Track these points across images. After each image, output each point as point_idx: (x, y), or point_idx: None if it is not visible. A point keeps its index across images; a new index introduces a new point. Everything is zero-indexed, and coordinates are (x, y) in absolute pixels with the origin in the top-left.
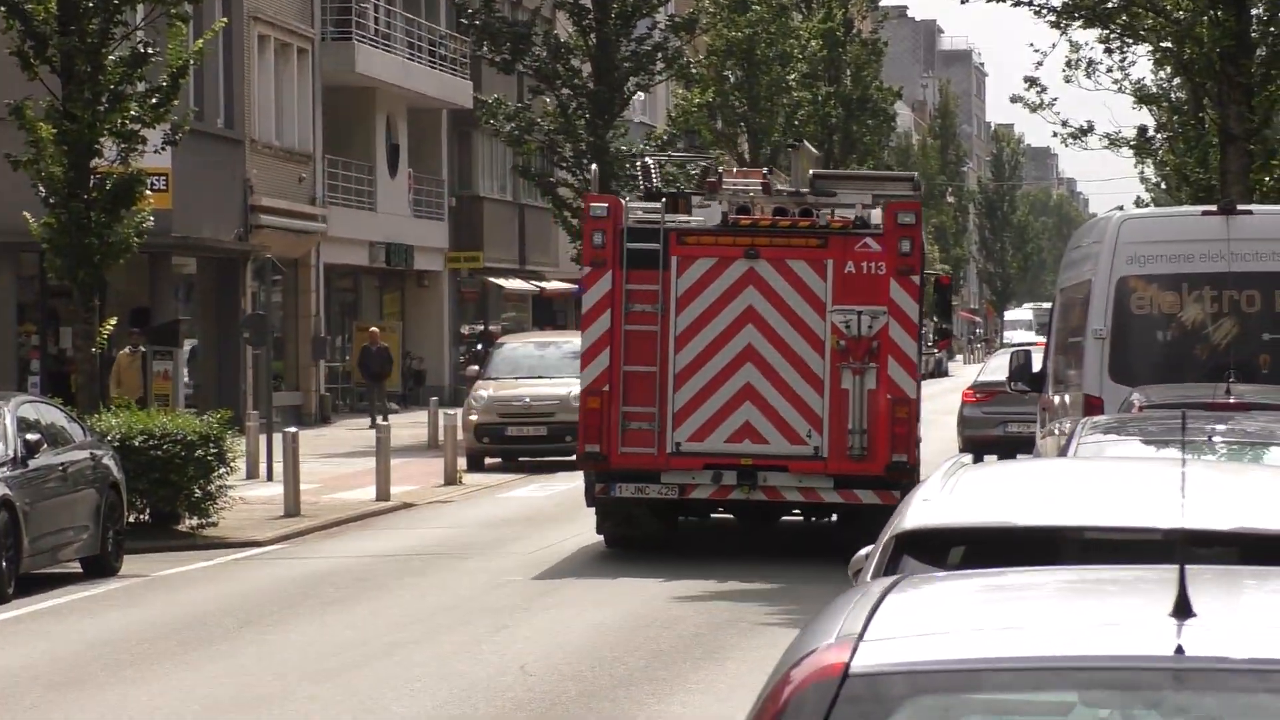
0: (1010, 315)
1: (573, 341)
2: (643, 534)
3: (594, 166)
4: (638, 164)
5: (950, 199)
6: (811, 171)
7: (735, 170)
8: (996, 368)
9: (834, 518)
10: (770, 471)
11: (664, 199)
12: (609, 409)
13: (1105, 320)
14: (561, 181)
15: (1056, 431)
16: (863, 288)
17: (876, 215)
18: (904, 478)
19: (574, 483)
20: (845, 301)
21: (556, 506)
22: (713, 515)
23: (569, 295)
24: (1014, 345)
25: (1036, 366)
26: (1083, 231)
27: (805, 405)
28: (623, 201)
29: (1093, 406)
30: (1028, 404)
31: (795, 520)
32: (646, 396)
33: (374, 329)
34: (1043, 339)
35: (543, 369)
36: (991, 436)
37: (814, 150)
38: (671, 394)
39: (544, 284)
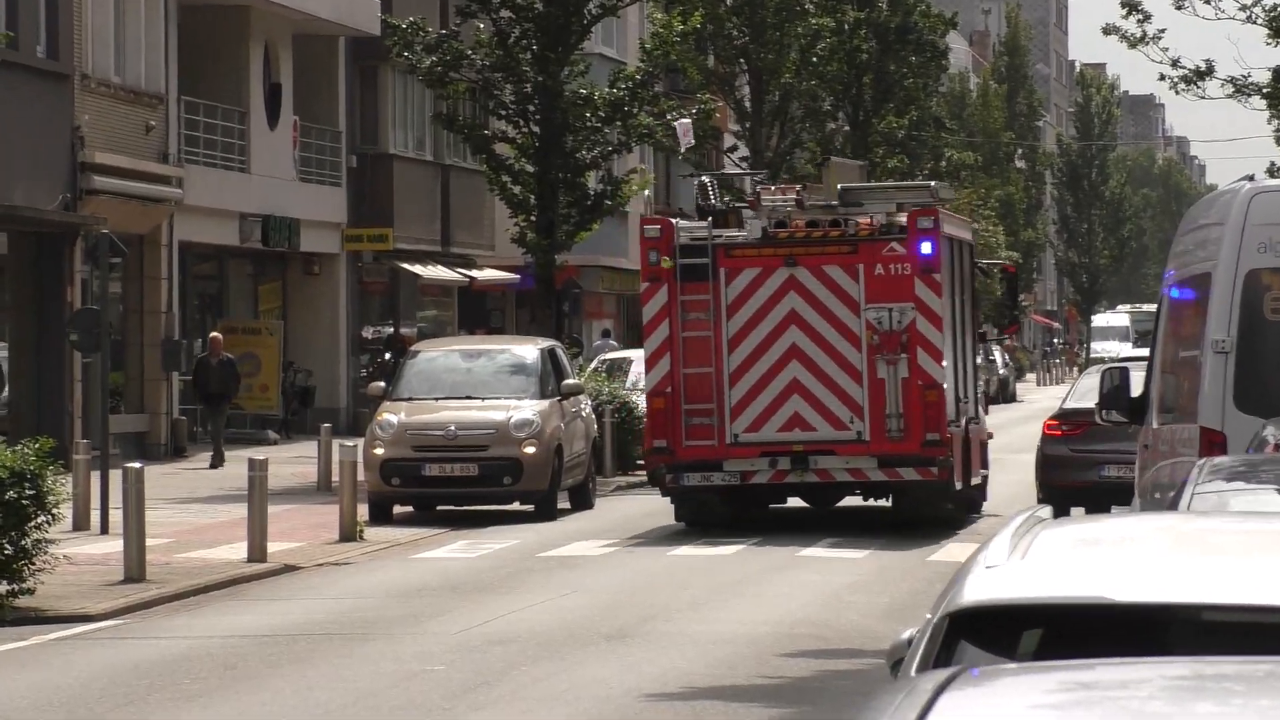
0: (1100, 321)
1: (512, 350)
2: (714, 519)
3: (645, 191)
4: (695, 182)
5: (1019, 164)
6: (840, 185)
7: (773, 188)
8: (1086, 391)
9: (889, 500)
10: (820, 456)
11: (713, 215)
12: (673, 407)
13: (1229, 328)
14: (500, 135)
15: (1164, 477)
16: (891, 287)
17: (902, 220)
18: (939, 453)
19: (515, 539)
20: (876, 300)
21: (492, 571)
22: (772, 506)
23: (506, 288)
24: (1107, 362)
25: (1136, 390)
26: (1199, 209)
27: (847, 395)
28: (674, 222)
29: (1212, 444)
30: (1131, 440)
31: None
32: (705, 394)
33: (215, 335)
34: (1144, 353)
35: (472, 386)
36: (1082, 482)
37: (853, 161)
38: (728, 391)
39: (474, 272)
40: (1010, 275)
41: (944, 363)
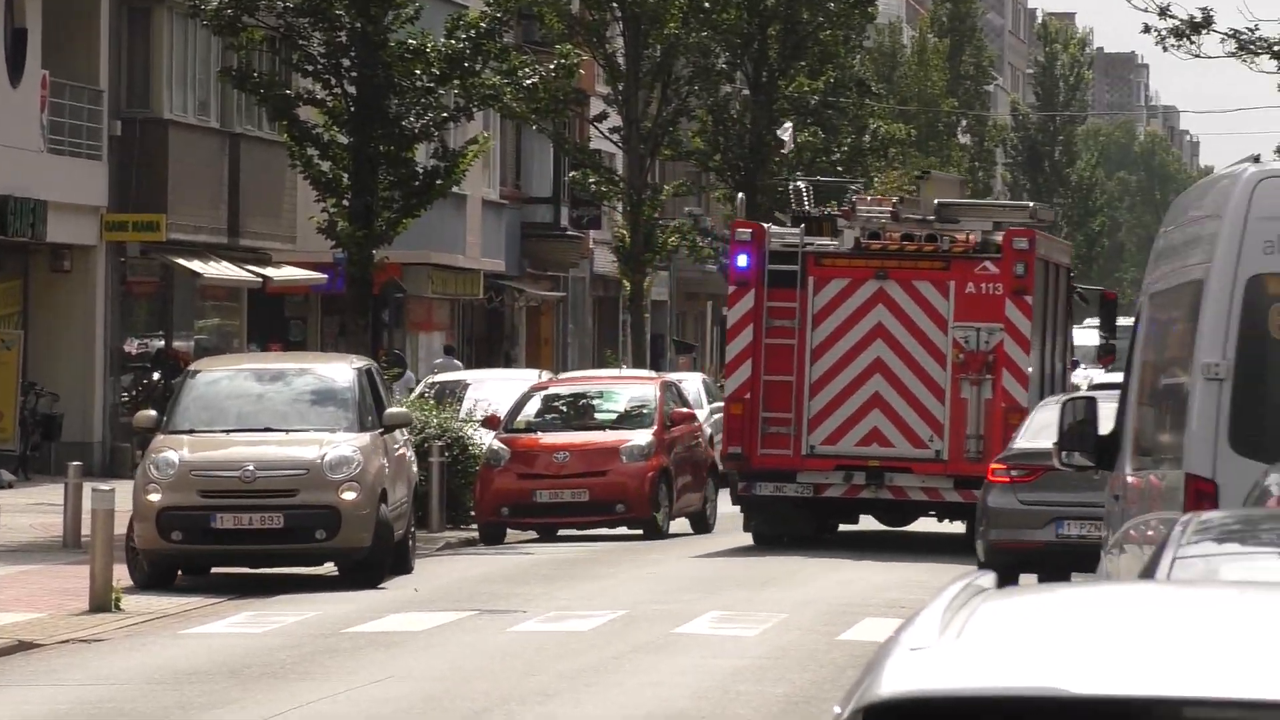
0: None
1: (319, 370)
2: (786, 530)
3: (740, 195)
4: (789, 187)
5: (964, 139)
6: (936, 200)
7: (869, 199)
8: (1042, 427)
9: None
10: (896, 473)
11: (806, 222)
12: (750, 414)
13: (1225, 349)
14: (306, 96)
15: (1138, 537)
16: (981, 307)
17: (996, 239)
18: None
19: (314, 609)
20: (965, 319)
21: (285, 650)
22: (845, 527)
23: (310, 291)
24: (1069, 390)
25: (1105, 426)
26: (1189, 198)
27: (928, 413)
28: (766, 227)
29: (1201, 495)
30: (1094, 488)
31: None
32: (784, 403)
33: None
34: (1117, 379)
35: (271, 416)
36: (1034, 542)
37: (951, 176)
38: (807, 401)
39: (270, 271)
40: (1110, 302)
41: (1029, 386)
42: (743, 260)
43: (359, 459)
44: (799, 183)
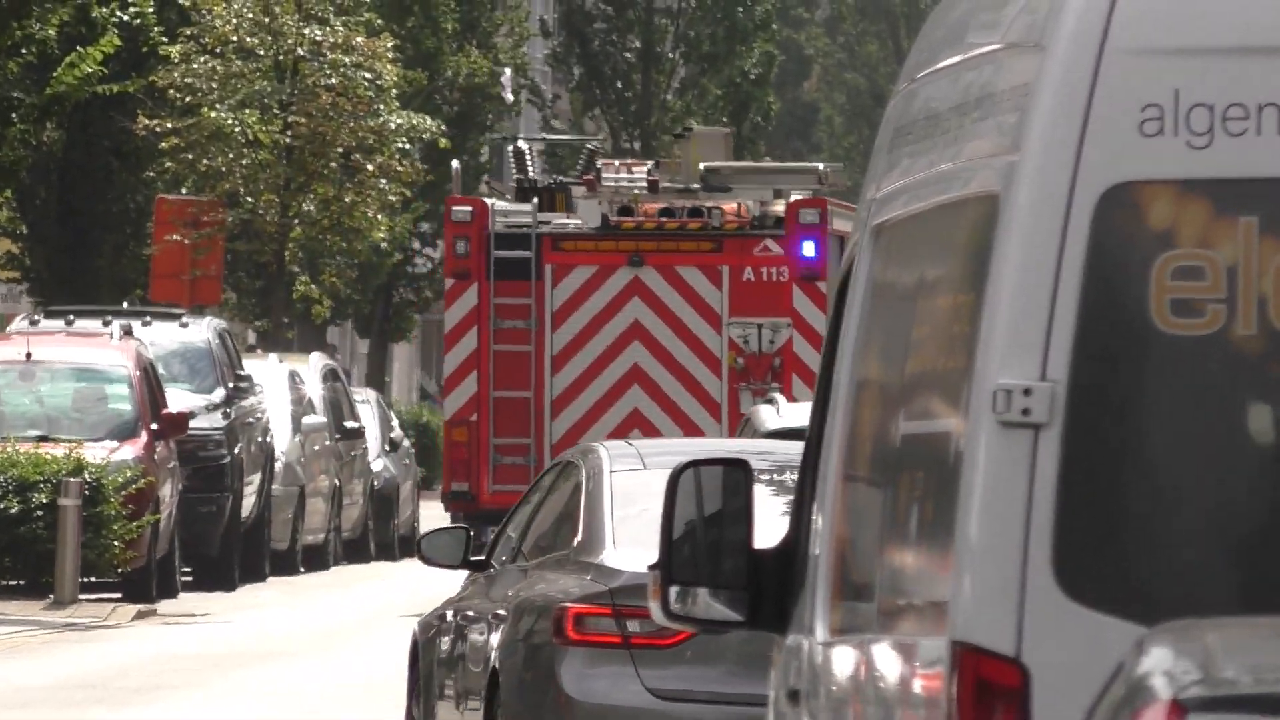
0: None
1: None
2: None
3: (454, 164)
4: (509, 150)
5: None
6: (703, 165)
7: (617, 163)
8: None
9: None
10: None
11: (537, 195)
12: (478, 441)
13: (1046, 357)
14: None
15: None
16: (763, 297)
17: (779, 210)
18: None
19: None
20: (743, 313)
21: None
22: None
23: None
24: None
25: (770, 532)
26: (970, 7)
27: (699, 431)
28: (489, 204)
29: (993, 693)
30: (755, 678)
31: None
32: (520, 426)
33: None
34: (775, 417)
35: None
36: None
37: (718, 129)
38: (549, 423)
39: None
40: None
41: None
42: (461, 246)
43: None
44: (520, 143)
